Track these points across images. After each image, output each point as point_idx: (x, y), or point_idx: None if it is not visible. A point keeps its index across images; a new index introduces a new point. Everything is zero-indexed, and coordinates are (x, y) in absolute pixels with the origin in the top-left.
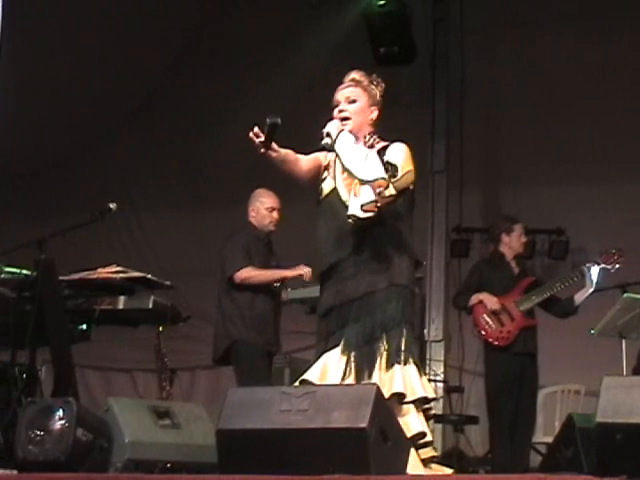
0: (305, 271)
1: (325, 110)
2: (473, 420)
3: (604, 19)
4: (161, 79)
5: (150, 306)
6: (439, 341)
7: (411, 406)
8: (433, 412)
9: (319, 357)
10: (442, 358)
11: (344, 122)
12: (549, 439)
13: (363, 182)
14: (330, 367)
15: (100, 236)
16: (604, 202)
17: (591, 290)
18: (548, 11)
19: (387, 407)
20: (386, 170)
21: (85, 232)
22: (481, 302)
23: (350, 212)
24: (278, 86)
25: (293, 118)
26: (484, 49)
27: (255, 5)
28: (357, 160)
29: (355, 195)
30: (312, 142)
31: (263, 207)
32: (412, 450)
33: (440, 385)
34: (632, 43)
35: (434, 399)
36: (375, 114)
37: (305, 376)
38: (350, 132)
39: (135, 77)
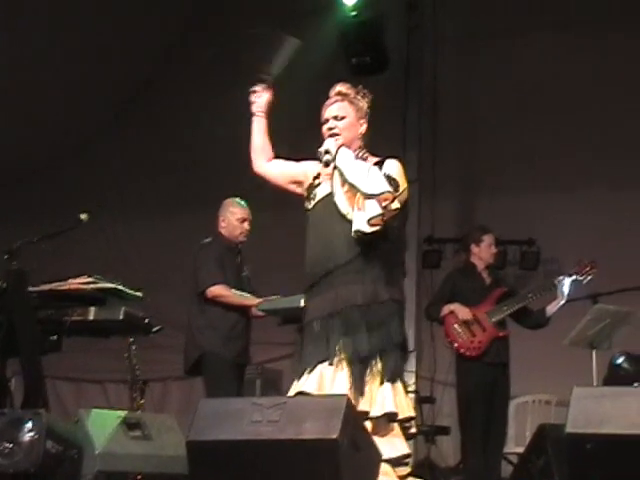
0: None
1: (303, 118)
2: (445, 431)
3: (579, 29)
4: (137, 88)
5: (121, 317)
6: (411, 352)
7: (396, 425)
8: (413, 431)
9: (314, 367)
10: (414, 369)
11: (334, 139)
12: (520, 449)
13: (368, 196)
14: (326, 380)
15: (72, 246)
16: (575, 213)
17: (563, 302)
18: (523, 21)
19: (358, 418)
20: (389, 183)
21: (57, 242)
22: (452, 312)
23: (356, 227)
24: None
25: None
26: (458, 58)
27: (230, 18)
28: (360, 175)
29: (360, 209)
30: (292, 149)
31: (234, 218)
32: (389, 467)
33: (412, 396)
34: (607, 53)
35: (412, 418)
36: (364, 127)
37: (302, 387)
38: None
39: (110, 86)
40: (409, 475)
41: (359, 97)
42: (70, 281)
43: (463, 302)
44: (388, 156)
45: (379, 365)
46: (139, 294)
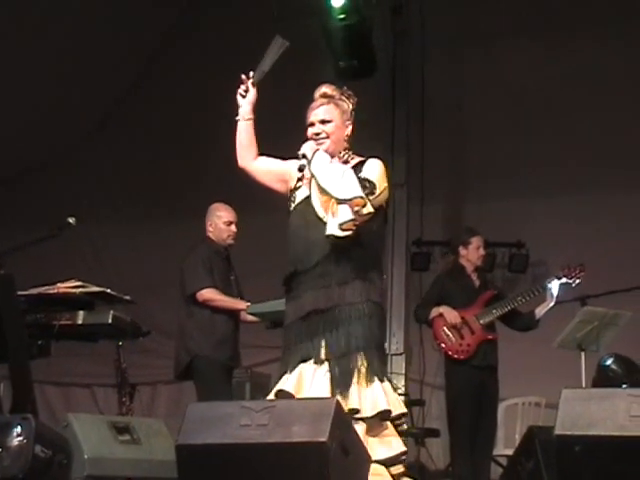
0: None
1: (289, 121)
2: (434, 433)
3: (567, 32)
4: (121, 93)
5: (109, 321)
6: (400, 354)
7: (389, 424)
8: (405, 427)
9: (294, 367)
10: (403, 371)
11: (320, 142)
12: (510, 451)
13: (340, 201)
14: (305, 378)
15: (60, 250)
16: (563, 215)
17: (552, 304)
18: (510, 25)
19: (347, 421)
20: (363, 187)
21: (45, 246)
22: (441, 315)
23: (328, 232)
24: (231, 104)
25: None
26: (445, 63)
27: (216, 20)
28: (333, 179)
29: (333, 215)
30: (277, 151)
31: (221, 221)
32: (382, 468)
33: (401, 398)
34: (595, 55)
35: (404, 414)
36: (349, 129)
37: (281, 386)
38: (326, 151)
39: (94, 92)
40: (403, 475)
41: (344, 98)
42: (58, 285)
43: (452, 304)
44: (370, 156)
45: (363, 363)
46: (127, 297)
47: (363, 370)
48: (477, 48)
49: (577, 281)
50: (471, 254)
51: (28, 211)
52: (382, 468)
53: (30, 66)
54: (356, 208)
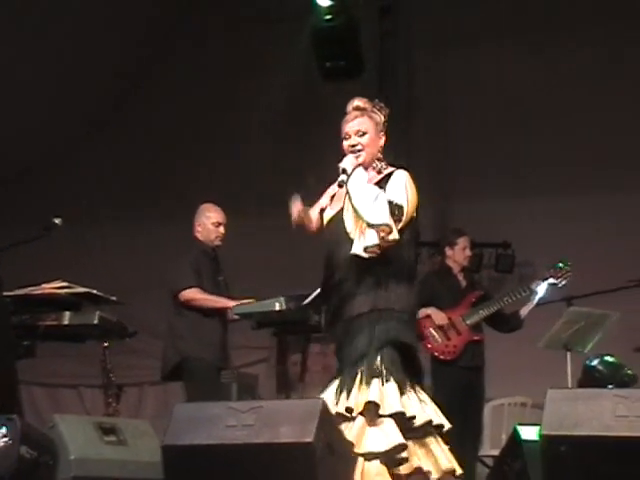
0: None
1: (280, 118)
2: None
3: (551, 33)
4: (113, 98)
5: (96, 321)
6: None
7: (389, 420)
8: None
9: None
10: None
11: (357, 155)
12: (496, 452)
13: (369, 225)
14: (328, 392)
15: (47, 251)
16: (550, 216)
17: (534, 303)
18: (496, 26)
19: (333, 421)
20: (392, 214)
21: (32, 247)
22: (429, 316)
23: (353, 251)
24: (223, 101)
25: (240, 131)
26: (432, 64)
27: (206, 20)
28: (366, 202)
29: (361, 233)
30: (262, 153)
31: (209, 222)
32: (383, 468)
33: None
34: (579, 57)
35: (413, 417)
36: (382, 140)
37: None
38: (363, 163)
39: (93, 93)
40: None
41: (376, 110)
42: (44, 286)
43: (438, 305)
44: (398, 166)
45: (363, 369)
46: (114, 298)
47: (361, 376)
48: (464, 49)
49: (563, 282)
50: (457, 255)
51: (27, 211)
52: (382, 467)
53: (30, 66)
54: (382, 234)
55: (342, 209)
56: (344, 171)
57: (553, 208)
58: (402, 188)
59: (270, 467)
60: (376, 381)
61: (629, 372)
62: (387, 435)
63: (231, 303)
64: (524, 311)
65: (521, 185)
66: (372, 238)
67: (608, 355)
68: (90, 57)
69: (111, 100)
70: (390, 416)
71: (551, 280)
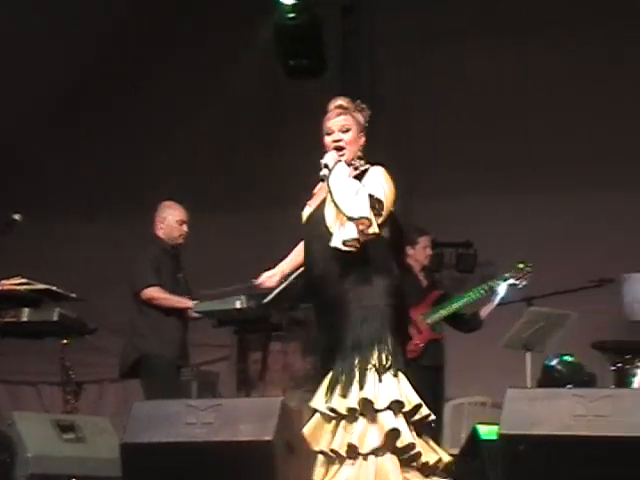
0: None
1: (241, 116)
2: None
3: (518, 33)
4: (72, 89)
5: (55, 318)
6: None
7: (389, 412)
8: (428, 420)
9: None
10: None
11: (340, 152)
12: (455, 451)
13: (348, 218)
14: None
15: (6, 247)
16: (511, 216)
17: (495, 304)
18: (459, 25)
19: (293, 420)
20: (372, 207)
21: None
22: None
23: (333, 244)
24: (188, 98)
25: (199, 131)
26: (395, 62)
27: (167, 18)
28: (347, 195)
29: (342, 225)
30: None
31: (173, 219)
32: (396, 460)
33: None
34: (553, 57)
35: (419, 405)
36: (363, 140)
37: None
38: (346, 162)
39: (43, 91)
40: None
41: (358, 110)
42: (3, 282)
43: None
44: (373, 163)
45: (358, 366)
46: (74, 295)
47: (358, 374)
48: (427, 47)
49: (524, 282)
50: (418, 254)
51: None
52: (396, 465)
53: None
54: (361, 227)
55: (322, 204)
56: (326, 166)
57: (515, 208)
58: (380, 183)
59: (229, 465)
60: (371, 377)
61: (588, 372)
62: (382, 426)
63: (191, 304)
64: (484, 311)
65: (483, 185)
66: (351, 231)
67: (567, 355)
68: (37, 55)
69: (72, 97)
70: (388, 408)
71: (511, 281)
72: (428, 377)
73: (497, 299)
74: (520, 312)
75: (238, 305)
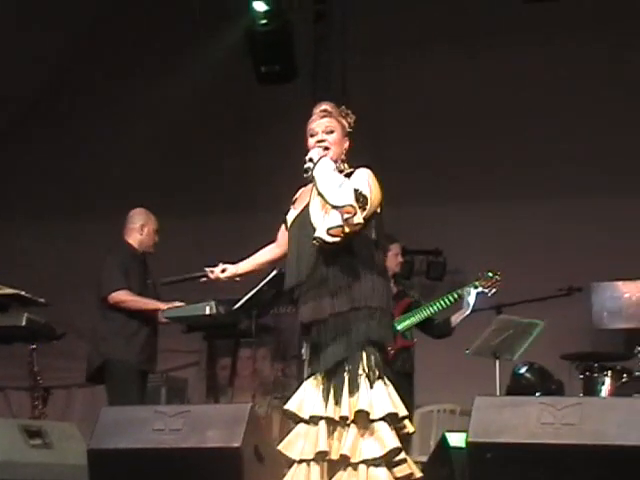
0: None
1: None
2: None
3: (484, 41)
4: (40, 91)
5: (23, 323)
6: None
7: (382, 424)
8: (407, 431)
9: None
10: None
11: (324, 152)
12: (424, 458)
13: (333, 207)
14: (307, 397)
15: None
16: (481, 224)
17: (467, 312)
18: (430, 33)
19: (262, 427)
20: (357, 200)
21: None
22: None
23: (316, 234)
24: (157, 104)
25: (168, 134)
26: (366, 68)
27: (136, 21)
28: (331, 186)
29: (326, 215)
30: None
31: (152, 228)
32: (384, 469)
33: None
34: (513, 64)
35: (406, 417)
36: (346, 144)
37: (286, 405)
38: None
39: (11, 91)
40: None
41: (342, 115)
42: None
43: None
44: (359, 166)
45: (349, 370)
46: (42, 300)
47: (348, 379)
48: (397, 54)
49: (493, 290)
50: (389, 261)
51: None
52: (385, 473)
53: None
54: (346, 215)
55: (307, 205)
56: (310, 160)
57: (484, 216)
58: (365, 181)
59: (197, 472)
60: (364, 385)
61: (556, 380)
62: (381, 440)
63: (161, 305)
64: (455, 318)
65: (453, 193)
66: (335, 219)
67: (536, 363)
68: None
69: (29, 98)
70: (382, 419)
71: (480, 289)
72: (398, 384)
73: (469, 307)
74: (489, 320)
75: (208, 311)
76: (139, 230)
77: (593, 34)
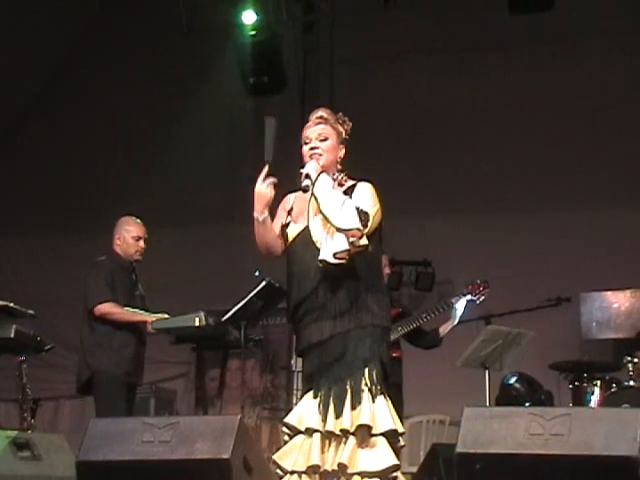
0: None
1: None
2: None
3: (472, 51)
4: (25, 108)
5: (12, 335)
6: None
7: (381, 439)
8: (400, 445)
9: (301, 399)
10: None
11: (317, 159)
12: (414, 469)
13: (338, 230)
14: (306, 410)
15: None
16: (470, 235)
17: (456, 322)
18: (417, 44)
19: (251, 438)
20: (359, 219)
21: None
22: None
23: (321, 257)
24: (139, 113)
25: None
26: (354, 80)
27: (126, 34)
28: (334, 207)
29: (330, 238)
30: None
31: (129, 236)
32: None
33: None
34: (499, 76)
35: (403, 433)
36: (342, 152)
37: (285, 419)
38: (322, 166)
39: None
40: None
41: (339, 123)
42: None
43: None
44: (361, 179)
45: (351, 386)
46: (31, 312)
47: (350, 394)
48: (385, 67)
49: (482, 298)
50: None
51: None
52: None
53: None
54: (352, 239)
55: (304, 228)
56: (307, 176)
57: (473, 227)
58: (368, 197)
59: None
60: (366, 399)
61: (545, 390)
62: (380, 456)
63: (148, 318)
64: (443, 329)
65: (441, 204)
66: (341, 243)
67: (525, 373)
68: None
69: (14, 112)
70: (382, 434)
71: (469, 296)
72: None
73: (457, 317)
74: (478, 330)
75: (197, 322)
76: (117, 239)
77: (580, 44)
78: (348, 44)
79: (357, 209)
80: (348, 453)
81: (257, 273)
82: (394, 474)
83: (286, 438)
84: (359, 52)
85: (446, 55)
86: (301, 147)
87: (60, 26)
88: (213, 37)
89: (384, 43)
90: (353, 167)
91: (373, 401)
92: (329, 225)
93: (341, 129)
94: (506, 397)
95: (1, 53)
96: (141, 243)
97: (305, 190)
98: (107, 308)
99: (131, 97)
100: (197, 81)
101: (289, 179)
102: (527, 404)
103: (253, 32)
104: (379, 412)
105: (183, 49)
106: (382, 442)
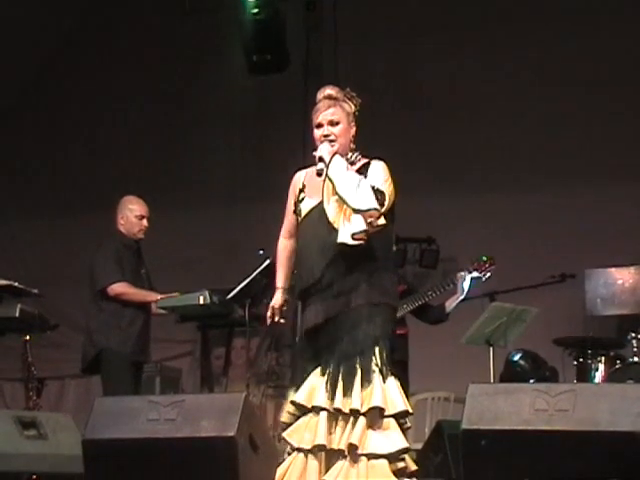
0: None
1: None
2: None
3: (474, 31)
4: (24, 87)
5: (17, 314)
6: None
7: (392, 420)
8: (408, 426)
9: (308, 376)
10: None
11: (331, 145)
12: (419, 446)
13: (356, 211)
14: (316, 387)
15: None
16: (474, 212)
17: (461, 297)
18: (422, 22)
19: (256, 416)
20: (375, 198)
21: None
22: None
23: (340, 239)
24: (140, 93)
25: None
26: (357, 58)
27: (122, 19)
28: (350, 188)
29: (347, 220)
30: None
31: (132, 215)
32: (385, 461)
33: None
34: (500, 53)
35: (411, 414)
36: (354, 130)
37: (293, 397)
38: (339, 153)
39: None
40: (404, 472)
41: (347, 99)
42: None
43: None
44: (374, 157)
45: (361, 364)
46: (35, 291)
47: (360, 373)
48: (389, 46)
49: (487, 274)
50: None
51: None
52: (386, 467)
53: None
54: (370, 219)
55: (319, 204)
56: (321, 159)
57: (477, 204)
58: (382, 176)
59: (192, 461)
60: (377, 380)
61: (550, 367)
62: (391, 438)
63: (159, 296)
64: (450, 304)
65: (446, 181)
66: (359, 224)
67: (530, 350)
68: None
69: (16, 92)
70: (393, 415)
71: (475, 273)
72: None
73: (463, 292)
74: (483, 307)
75: (201, 300)
76: (120, 218)
77: (580, 22)
78: (351, 22)
79: (373, 188)
80: (358, 434)
81: (260, 252)
82: (402, 456)
83: (287, 415)
84: (363, 29)
85: (450, 32)
86: (308, 126)
87: (63, 3)
88: (215, 15)
89: (388, 20)
90: (357, 144)
91: (384, 381)
92: (345, 207)
93: (349, 107)
94: (511, 374)
95: (7, 23)
96: (144, 222)
97: (319, 174)
98: (122, 288)
99: (132, 77)
100: (199, 60)
101: (295, 159)
102: (532, 380)
103: (256, 10)
104: (391, 393)
105: (185, 28)
106: (393, 424)
